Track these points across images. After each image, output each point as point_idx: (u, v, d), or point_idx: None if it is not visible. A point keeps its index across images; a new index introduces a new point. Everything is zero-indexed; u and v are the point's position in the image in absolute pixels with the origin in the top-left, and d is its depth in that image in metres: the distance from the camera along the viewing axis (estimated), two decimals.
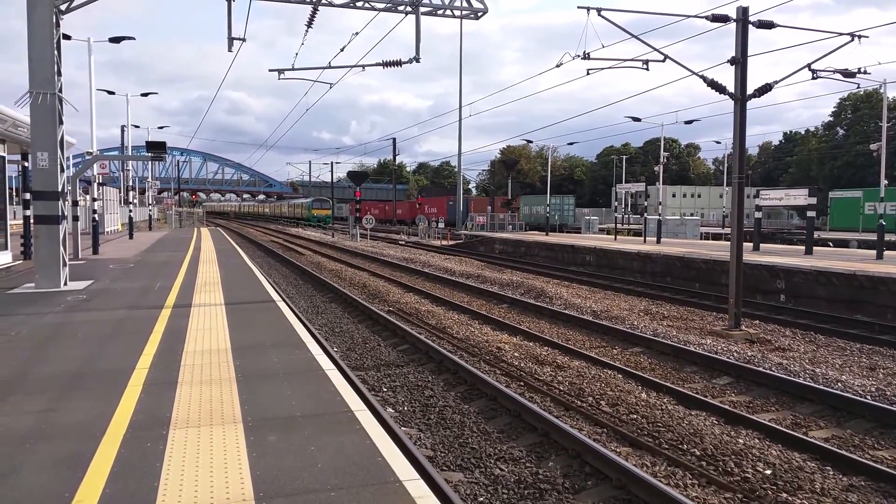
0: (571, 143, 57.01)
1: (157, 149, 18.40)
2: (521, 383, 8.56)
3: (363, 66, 18.01)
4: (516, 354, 10.07)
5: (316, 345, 7.41)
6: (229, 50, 14.19)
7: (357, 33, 17.01)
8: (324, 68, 18.05)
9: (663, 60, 13.44)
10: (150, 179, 55.41)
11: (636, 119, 37.56)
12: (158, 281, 13.33)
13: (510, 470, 5.86)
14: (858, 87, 21.62)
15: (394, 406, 7.79)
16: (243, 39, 14.36)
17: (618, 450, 6.26)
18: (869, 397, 7.90)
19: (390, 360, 10.06)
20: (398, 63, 16.22)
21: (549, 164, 48.81)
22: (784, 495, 5.23)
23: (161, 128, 53.32)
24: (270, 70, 17.70)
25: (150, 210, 50.54)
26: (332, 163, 72.46)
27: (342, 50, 17.75)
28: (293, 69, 17.88)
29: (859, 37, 12.84)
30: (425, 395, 8.18)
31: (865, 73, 14.75)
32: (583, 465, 5.85)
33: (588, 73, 15.43)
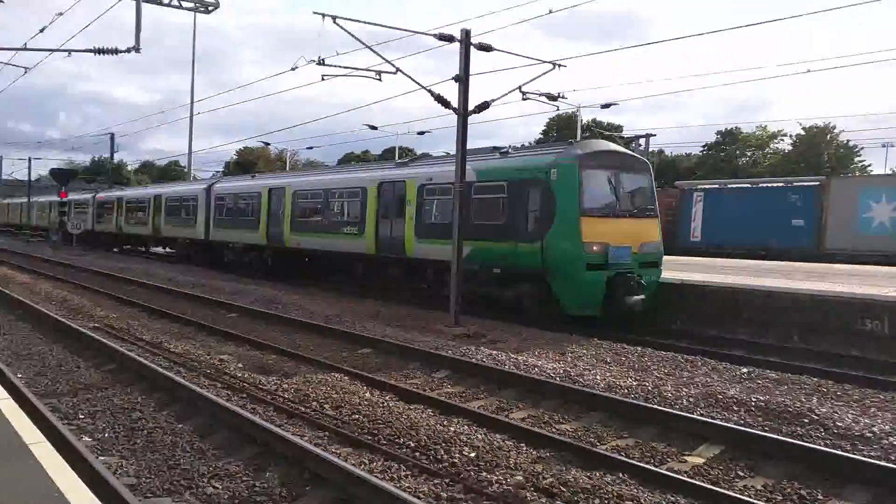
0: (310, 148, 57.07)
1: None
2: (244, 395, 8.18)
3: (69, 52, 15.96)
4: (241, 365, 9.62)
5: None
6: None
7: (62, 14, 15.04)
8: (19, 49, 15.72)
9: (395, 72, 14.01)
10: None
11: (373, 127, 38.84)
12: None
13: (225, 486, 5.53)
14: (558, 110, 24.81)
15: (91, 434, 6.86)
16: None
17: (338, 451, 6.28)
18: (557, 379, 9.10)
19: (91, 382, 8.86)
20: (114, 51, 14.56)
21: (287, 165, 48.08)
22: (484, 474, 5.73)
23: None
24: None
25: None
26: (29, 158, 58.35)
27: (41, 31, 15.57)
28: None
29: (559, 65, 14.62)
30: (132, 417, 7.35)
31: (564, 97, 16.78)
32: (303, 472, 5.76)
33: (323, 79, 15.41)
